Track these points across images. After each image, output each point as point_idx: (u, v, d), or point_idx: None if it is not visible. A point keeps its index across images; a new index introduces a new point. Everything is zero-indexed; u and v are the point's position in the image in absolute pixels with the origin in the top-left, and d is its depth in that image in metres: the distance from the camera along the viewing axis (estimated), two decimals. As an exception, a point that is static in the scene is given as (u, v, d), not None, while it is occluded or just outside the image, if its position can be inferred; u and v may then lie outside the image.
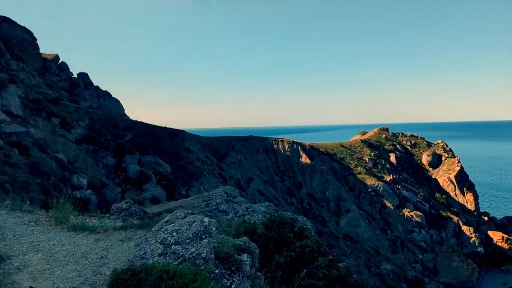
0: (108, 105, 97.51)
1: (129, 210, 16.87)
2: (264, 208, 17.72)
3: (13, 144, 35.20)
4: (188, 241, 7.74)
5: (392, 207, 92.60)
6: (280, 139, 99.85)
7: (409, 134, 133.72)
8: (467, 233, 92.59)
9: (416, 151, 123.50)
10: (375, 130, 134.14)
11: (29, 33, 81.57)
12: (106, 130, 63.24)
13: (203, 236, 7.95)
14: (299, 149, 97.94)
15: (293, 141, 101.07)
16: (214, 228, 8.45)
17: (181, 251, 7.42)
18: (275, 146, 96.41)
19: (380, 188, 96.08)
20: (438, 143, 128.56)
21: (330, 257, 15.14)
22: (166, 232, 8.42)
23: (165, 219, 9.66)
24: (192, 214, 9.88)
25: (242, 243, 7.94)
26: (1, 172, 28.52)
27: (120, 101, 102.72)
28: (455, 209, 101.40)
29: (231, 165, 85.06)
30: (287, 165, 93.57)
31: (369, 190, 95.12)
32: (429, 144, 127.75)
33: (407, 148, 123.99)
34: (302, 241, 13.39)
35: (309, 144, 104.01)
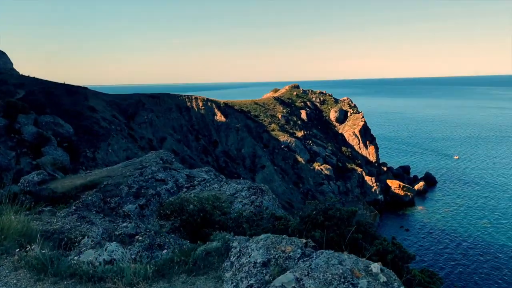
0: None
1: (68, 193, 13.72)
2: (205, 173, 15.80)
3: None
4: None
5: (303, 162, 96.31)
6: (193, 97, 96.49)
7: (318, 91, 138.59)
8: (369, 182, 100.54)
9: (324, 108, 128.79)
10: (287, 87, 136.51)
11: None
12: (-9, 86, 54.77)
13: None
14: (214, 107, 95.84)
15: (207, 98, 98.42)
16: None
17: None
18: (188, 104, 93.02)
19: (292, 144, 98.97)
20: (344, 100, 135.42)
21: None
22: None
23: (237, 249, 6.13)
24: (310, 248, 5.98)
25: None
26: None
27: (7, 54, 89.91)
28: (359, 161, 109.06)
29: (142, 124, 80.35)
30: (202, 123, 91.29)
31: (282, 146, 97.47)
32: (336, 101, 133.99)
33: (317, 105, 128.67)
34: (377, 246, 9.71)
35: (223, 102, 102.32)
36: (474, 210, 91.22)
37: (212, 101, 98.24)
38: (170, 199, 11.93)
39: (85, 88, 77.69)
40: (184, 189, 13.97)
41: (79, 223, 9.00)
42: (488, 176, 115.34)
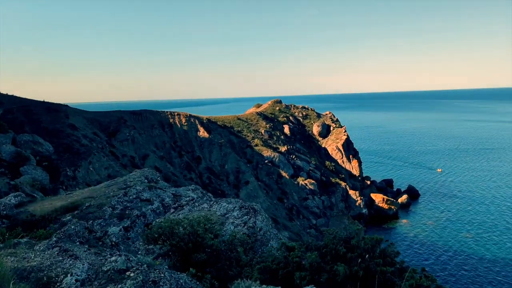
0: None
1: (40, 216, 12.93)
2: (191, 192, 15.35)
3: None
4: None
5: (287, 177, 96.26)
6: (176, 113, 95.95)
7: (300, 106, 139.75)
8: (353, 196, 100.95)
9: (307, 122, 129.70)
10: (269, 102, 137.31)
11: None
12: (-33, 105, 53.42)
13: None
14: (197, 123, 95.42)
15: (190, 114, 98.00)
16: None
17: None
18: (171, 120, 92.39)
19: (276, 159, 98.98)
20: (326, 114, 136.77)
21: None
22: None
23: None
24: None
25: None
26: None
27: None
28: (343, 175, 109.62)
29: (124, 141, 79.28)
30: (185, 139, 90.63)
31: (266, 161, 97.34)
32: (318, 115, 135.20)
33: (299, 120, 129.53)
34: (409, 280, 8.47)
35: (206, 118, 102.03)
36: (455, 223, 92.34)
37: (195, 117, 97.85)
38: (158, 221, 11.44)
39: (65, 106, 76.47)
40: (172, 210, 13.46)
41: (60, 258, 8.04)
42: (468, 189, 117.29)
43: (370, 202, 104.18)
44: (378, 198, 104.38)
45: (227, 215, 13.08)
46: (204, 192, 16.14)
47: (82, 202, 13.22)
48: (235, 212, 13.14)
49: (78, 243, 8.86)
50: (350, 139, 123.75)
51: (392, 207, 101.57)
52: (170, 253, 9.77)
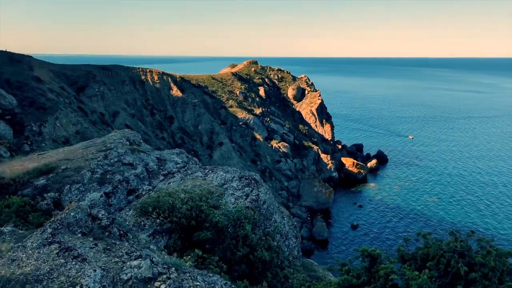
0: None
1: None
2: (176, 156, 14.25)
3: None
4: None
5: (261, 139, 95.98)
6: (148, 70, 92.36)
7: (276, 68, 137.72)
8: (325, 160, 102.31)
9: (282, 85, 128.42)
10: (245, 63, 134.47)
11: None
12: None
13: None
14: (170, 81, 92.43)
15: (162, 72, 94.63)
16: None
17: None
18: (143, 77, 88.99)
19: (250, 121, 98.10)
20: (301, 78, 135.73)
21: None
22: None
23: None
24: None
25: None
26: None
27: None
28: (315, 139, 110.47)
29: (93, 97, 75.97)
30: (157, 98, 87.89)
31: (240, 123, 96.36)
32: (294, 78, 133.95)
33: (275, 82, 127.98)
34: None
35: (179, 76, 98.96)
36: (419, 187, 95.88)
37: (168, 74, 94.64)
38: (152, 194, 10.36)
39: (29, 57, 71.85)
40: (161, 177, 12.36)
41: (62, 260, 6.18)
42: (434, 156, 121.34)
43: (340, 166, 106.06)
44: (348, 162, 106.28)
45: (225, 185, 12.03)
46: (189, 156, 15.17)
47: (58, 164, 11.97)
48: (234, 183, 12.12)
49: (79, 234, 7.03)
50: (324, 103, 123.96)
51: (361, 171, 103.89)
52: (169, 230, 8.76)
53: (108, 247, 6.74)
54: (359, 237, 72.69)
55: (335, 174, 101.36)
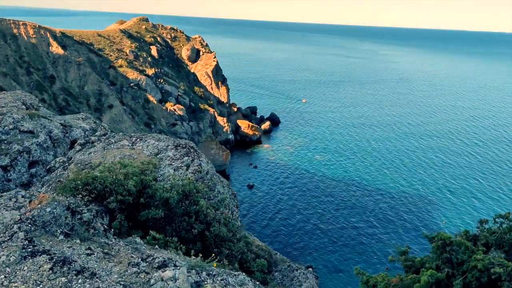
0: None
1: None
2: (82, 121, 12.32)
3: None
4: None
5: (155, 102, 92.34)
6: (21, 22, 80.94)
7: (169, 26, 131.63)
8: (221, 123, 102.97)
9: (176, 45, 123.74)
10: (134, 19, 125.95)
11: None
12: None
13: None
14: (48, 36, 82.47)
15: (39, 25, 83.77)
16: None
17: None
18: (15, 30, 77.86)
19: (142, 82, 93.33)
20: (196, 38, 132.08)
21: None
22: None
23: None
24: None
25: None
26: None
27: None
28: (211, 102, 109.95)
29: (-50, 52, 64.57)
30: (34, 55, 78.07)
31: (131, 84, 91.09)
32: (188, 38, 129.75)
33: (168, 42, 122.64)
34: None
35: (60, 31, 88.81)
36: (310, 148, 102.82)
37: (45, 29, 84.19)
38: (71, 166, 8.67)
39: None
40: (78, 147, 10.60)
41: (63, 279, 4.41)
42: (325, 119, 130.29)
43: (236, 128, 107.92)
44: (243, 124, 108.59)
45: (159, 155, 10.75)
46: (97, 122, 13.49)
47: None
48: (169, 152, 10.88)
49: (61, 236, 5.23)
50: (220, 65, 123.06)
51: (256, 133, 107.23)
52: (111, 210, 7.47)
53: (106, 251, 5.18)
54: (255, 195, 75.91)
55: (231, 136, 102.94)
